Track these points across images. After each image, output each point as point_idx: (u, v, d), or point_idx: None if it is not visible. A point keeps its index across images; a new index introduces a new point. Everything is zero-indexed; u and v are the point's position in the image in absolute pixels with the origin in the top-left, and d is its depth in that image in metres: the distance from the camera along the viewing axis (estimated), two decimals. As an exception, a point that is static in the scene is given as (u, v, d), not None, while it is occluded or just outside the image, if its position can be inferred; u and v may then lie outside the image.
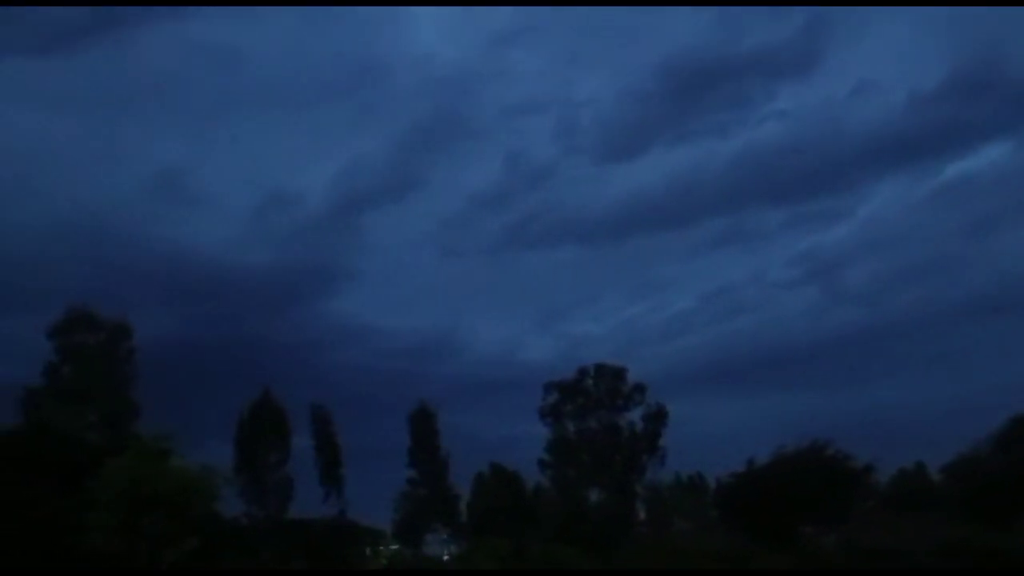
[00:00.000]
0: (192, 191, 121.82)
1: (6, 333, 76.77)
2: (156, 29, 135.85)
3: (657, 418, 63.42)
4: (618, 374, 65.13)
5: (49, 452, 43.94)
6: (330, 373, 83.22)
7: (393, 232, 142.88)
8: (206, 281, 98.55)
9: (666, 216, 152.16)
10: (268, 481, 54.28)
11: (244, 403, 56.07)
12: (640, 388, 64.18)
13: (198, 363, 69.36)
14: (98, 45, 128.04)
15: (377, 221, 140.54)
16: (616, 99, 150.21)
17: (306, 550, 51.54)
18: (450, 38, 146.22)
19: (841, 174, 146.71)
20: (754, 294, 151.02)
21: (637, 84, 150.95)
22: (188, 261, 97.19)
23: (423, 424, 62.08)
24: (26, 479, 40.20)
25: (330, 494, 57.22)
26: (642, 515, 68.63)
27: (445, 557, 59.08)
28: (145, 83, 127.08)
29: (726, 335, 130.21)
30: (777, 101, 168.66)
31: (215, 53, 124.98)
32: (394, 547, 61.33)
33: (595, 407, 64.85)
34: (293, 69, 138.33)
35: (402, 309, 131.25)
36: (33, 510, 36.74)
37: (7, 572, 29.06)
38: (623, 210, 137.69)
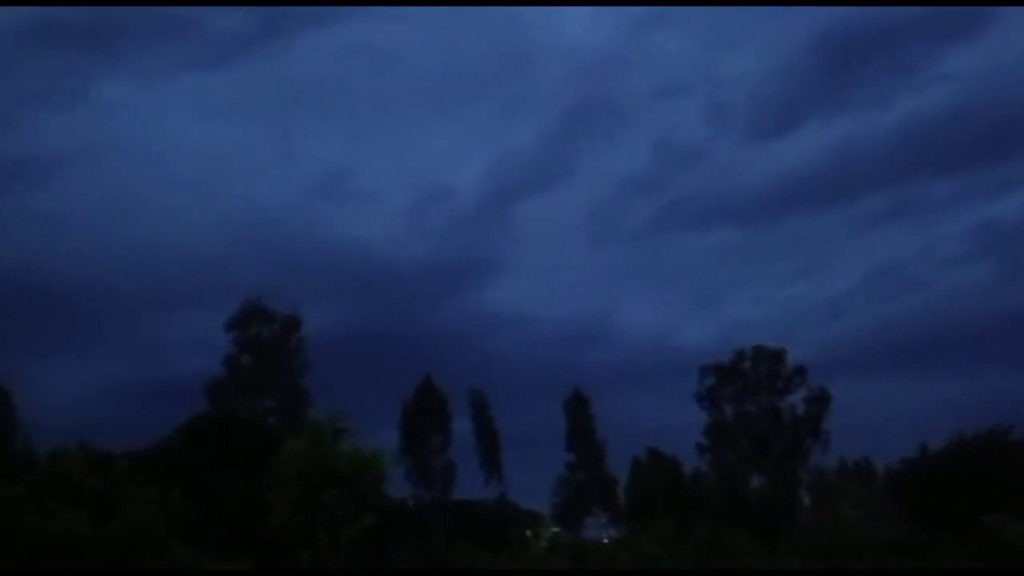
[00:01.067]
0: (353, 190, 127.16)
1: (191, 328, 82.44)
2: (314, 36, 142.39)
3: (820, 401, 60.61)
4: (777, 356, 62.70)
5: (234, 436, 46.82)
6: (487, 361, 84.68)
7: (545, 221, 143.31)
8: (369, 275, 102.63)
9: (825, 192, 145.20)
10: (432, 465, 55.80)
11: (407, 390, 57.76)
12: (801, 371, 61.54)
13: (363, 352, 72.12)
14: (263, 56, 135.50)
15: (529, 211, 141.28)
16: (767, 75, 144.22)
17: (470, 531, 52.52)
18: (595, 26, 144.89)
19: (1014, 140, 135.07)
20: (923, 270, 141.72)
21: (789, 58, 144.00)
22: (351, 256, 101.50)
23: (578, 410, 62.02)
24: (215, 461, 43.01)
25: (490, 478, 58.15)
26: (807, 501, 65.83)
27: (604, 540, 58.84)
28: (307, 88, 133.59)
29: (893, 314, 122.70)
30: (943, 66, 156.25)
31: (370, 55, 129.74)
32: (554, 530, 61.64)
33: (754, 390, 62.68)
34: (444, 67, 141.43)
35: (556, 297, 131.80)
36: (222, 490, 39.27)
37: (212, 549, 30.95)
38: (779, 188, 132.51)
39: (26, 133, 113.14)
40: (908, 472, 52.10)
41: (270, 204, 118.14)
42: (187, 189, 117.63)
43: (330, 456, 24.66)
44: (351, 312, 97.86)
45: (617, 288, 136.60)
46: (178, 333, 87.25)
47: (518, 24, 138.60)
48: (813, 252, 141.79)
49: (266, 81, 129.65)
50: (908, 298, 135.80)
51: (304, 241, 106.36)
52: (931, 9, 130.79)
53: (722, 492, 62.23)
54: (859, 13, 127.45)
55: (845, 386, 64.30)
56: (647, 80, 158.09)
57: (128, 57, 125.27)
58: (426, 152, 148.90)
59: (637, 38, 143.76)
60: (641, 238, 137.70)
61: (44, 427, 43.99)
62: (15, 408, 43.34)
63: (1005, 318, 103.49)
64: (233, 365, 52.83)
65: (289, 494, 24.83)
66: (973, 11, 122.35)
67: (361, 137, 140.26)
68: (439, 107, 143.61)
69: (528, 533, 59.44)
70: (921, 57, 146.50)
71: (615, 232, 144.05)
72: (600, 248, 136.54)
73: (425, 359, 66.54)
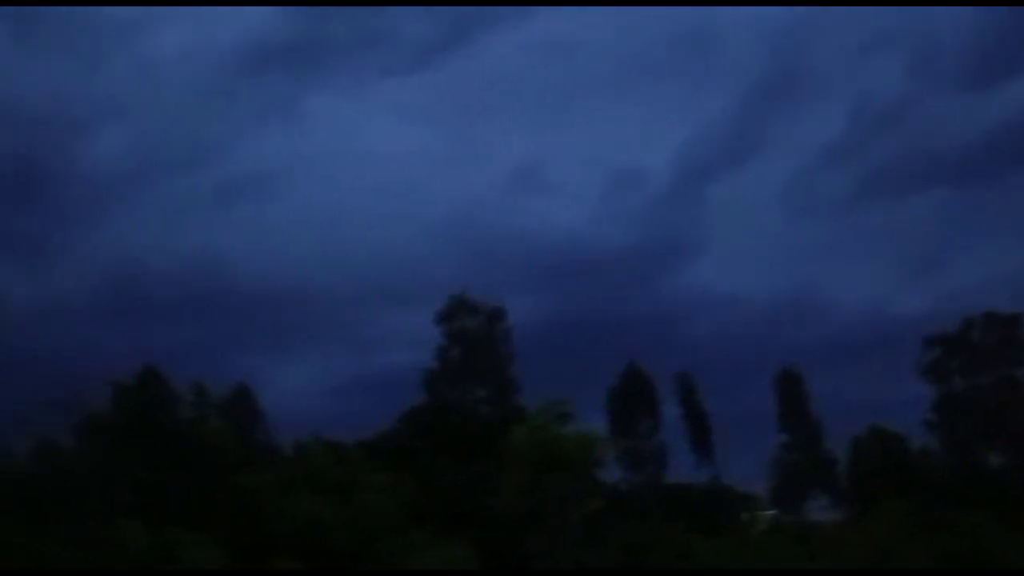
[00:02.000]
0: (546, 181, 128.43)
1: (406, 323, 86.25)
2: (499, 35, 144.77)
3: (1065, 370, 54.36)
4: (1012, 322, 56.81)
5: (451, 425, 48.36)
6: (691, 343, 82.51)
7: (741, 197, 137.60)
8: (566, 263, 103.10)
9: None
10: (643, 449, 55.09)
11: (613, 375, 57.30)
12: (1039, 337, 55.44)
13: (565, 340, 72.23)
14: (453, 58, 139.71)
15: (723, 188, 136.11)
16: (978, 20, 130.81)
17: (685, 514, 51.38)
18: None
19: None
20: None
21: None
22: (548, 246, 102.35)
23: (789, 388, 59.06)
24: (435, 449, 44.59)
25: (702, 461, 56.60)
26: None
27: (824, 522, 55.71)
28: (497, 86, 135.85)
29: None
30: None
31: (555, 48, 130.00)
32: (771, 512, 59.09)
33: (986, 361, 57.13)
34: (628, 51, 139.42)
35: (757, 274, 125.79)
36: (445, 476, 40.54)
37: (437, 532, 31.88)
38: (997, 143, 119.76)
39: (248, 152, 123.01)
40: None
41: (468, 201, 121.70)
42: (393, 192, 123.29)
43: (555, 441, 24.61)
44: (551, 301, 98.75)
45: (821, 261, 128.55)
46: (393, 329, 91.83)
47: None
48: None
49: (458, 82, 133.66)
50: None
51: (502, 234, 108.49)
52: None
53: (954, 471, 57.25)
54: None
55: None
56: (841, 39, 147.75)
57: (331, 71, 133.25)
58: (615, 137, 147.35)
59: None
60: (843, 207, 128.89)
61: (282, 420, 47.37)
62: (257, 403, 46.71)
63: None
64: (444, 357, 54.52)
65: (516, 478, 25.02)
66: None
67: (551, 129, 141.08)
68: (626, 92, 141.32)
69: (744, 516, 57.39)
70: None
71: (815, 203, 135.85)
72: (800, 221, 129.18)
73: (627, 344, 65.55)
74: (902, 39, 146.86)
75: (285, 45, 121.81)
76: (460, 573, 26.83)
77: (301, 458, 31.37)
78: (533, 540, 27.97)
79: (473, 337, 54.58)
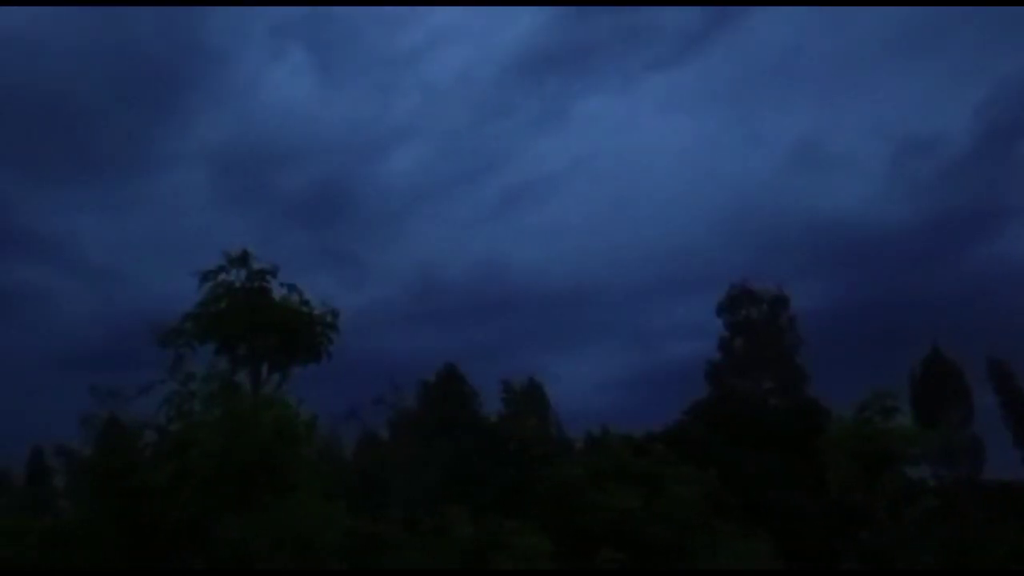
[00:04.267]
0: (827, 157, 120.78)
1: (686, 314, 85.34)
2: (765, 13, 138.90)
3: None
4: None
5: (739, 416, 46.62)
6: (1002, 321, 73.46)
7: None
8: (852, 243, 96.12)
9: None
10: (955, 442, 49.75)
11: (913, 362, 52.40)
12: None
13: (856, 325, 67.40)
14: (718, 43, 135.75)
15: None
16: None
17: (1009, 513, 45.68)
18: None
19: None
20: None
21: None
22: (832, 226, 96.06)
23: None
24: (726, 441, 43.18)
25: (1028, 454, 50.14)
26: None
27: None
28: (767, 66, 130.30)
29: None
30: None
31: (826, 17, 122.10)
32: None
33: None
34: (909, 10, 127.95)
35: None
36: (745, 469, 39.08)
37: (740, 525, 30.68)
38: None
39: (528, 159, 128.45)
40: None
41: (745, 186, 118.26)
42: (668, 184, 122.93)
43: (881, 435, 22.66)
44: (838, 284, 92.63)
45: None
46: (675, 321, 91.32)
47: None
48: None
49: (726, 66, 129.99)
50: None
51: (782, 217, 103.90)
52: None
53: None
54: None
55: None
56: None
57: (598, 71, 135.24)
58: (902, 104, 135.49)
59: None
60: None
61: (569, 414, 48.37)
62: (548, 398, 48.02)
63: None
64: (727, 348, 52.93)
65: (840, 473, 23.39)
66: None
67: (830, 102, 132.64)
68: (911, 54, 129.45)
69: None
70: None
71: None
72: None
73: (928, 327, 59.63)
74: None
75: (554, 52, 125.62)
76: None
77: (606, 450, 31.53)
78: (864, 537, 25.99)
79: (756, 326, 52.43)
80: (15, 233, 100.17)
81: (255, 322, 23.55)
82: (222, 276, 24.07)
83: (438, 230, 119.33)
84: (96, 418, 44.92)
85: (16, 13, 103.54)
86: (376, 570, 24.37)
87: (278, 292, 24.77)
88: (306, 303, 24.77)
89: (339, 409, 41.21)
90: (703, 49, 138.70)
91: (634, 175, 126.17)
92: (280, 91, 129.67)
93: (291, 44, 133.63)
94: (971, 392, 51.06)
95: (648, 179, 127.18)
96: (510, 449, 40.66)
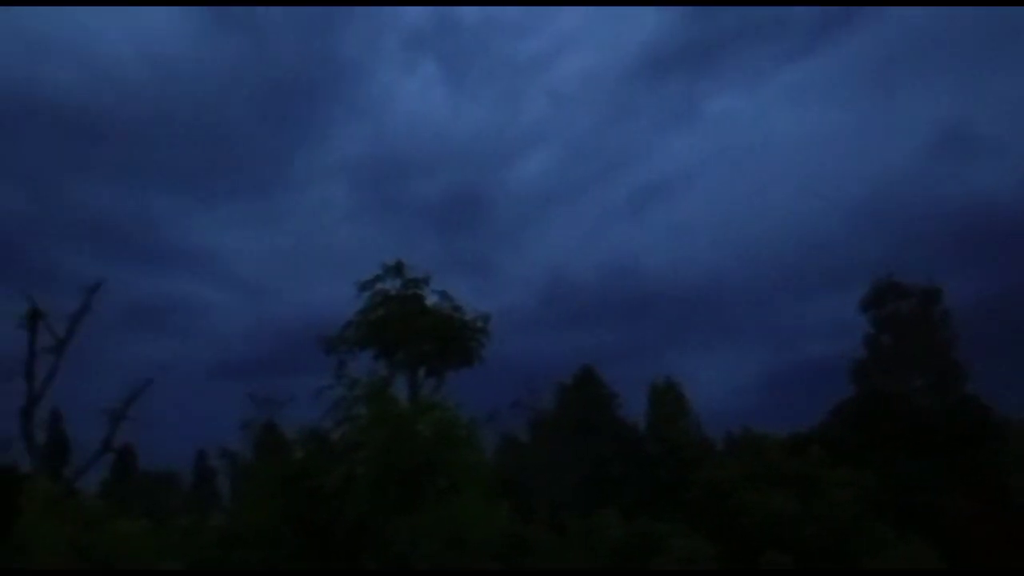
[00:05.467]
0: (974, 142, 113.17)
1: (824, 311, 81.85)
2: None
3: None
4: None
5: (887, 417, 44.16)
6: None
7: None
8: (1008, 231, 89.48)
9: None
10: None
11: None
12: None
13: (1015, 318, 62.66)
14: (849, 32, 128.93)
15: None
16: None
17: None
18: None
19: None
20: None
21: None
22: (984, 213, 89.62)
23: None
24: (872, 442, 40.98)
25: None
26: None
27: None
28: (902, 50, 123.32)
29: None
30: None
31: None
32: None
33: None
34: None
35: None
36: (901, 470, 37.03)
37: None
38: None
39: (656, 158, 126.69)
40: None
41: (884, 176, 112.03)
42: (801, 178, 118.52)
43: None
44: (992, 275, 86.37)
45: None
46: (812, 318, 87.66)
47: None
48: None
49: (858, 55, 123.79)
50: None
51: (926, 207, 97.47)
52: None
53: None
54: None
55: None
56: None
57: (724, 67, 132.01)
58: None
59: None
60: None
61: (708, 415, 47.00)
62: (686, 399, 46.80)
63: None
64: (873, 345, 50.05)
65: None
66: None
67: (975, 84, 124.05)
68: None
69: None
70: None
71: None
72: None
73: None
74: None
75: (679, 50, 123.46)
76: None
77: (756, 452, 30.48)
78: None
79: (905, 322, 49.41)
80: (173, 250, 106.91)
81: (412, 328, 24.25)
82: (379, 285, 25.05)
83: (568, 233, 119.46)
84: (255, 423, 47.08)
85: (166, 42, 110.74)
86: (531, 570, 24.33)
87: (430, 299, 25.58)
88: (458, 309, 25.35)
89: (479, 412, 41.60)
90: (834, 38, 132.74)
91: (765, 170, 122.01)
92: (413, 102, 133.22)
93: (422, 56, 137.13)
94: None
95: (780, 174, 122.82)
96: (652, 451, 39.94)
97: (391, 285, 23.97)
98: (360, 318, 23.49)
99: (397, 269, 23.86)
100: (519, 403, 46.12)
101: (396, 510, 19.50)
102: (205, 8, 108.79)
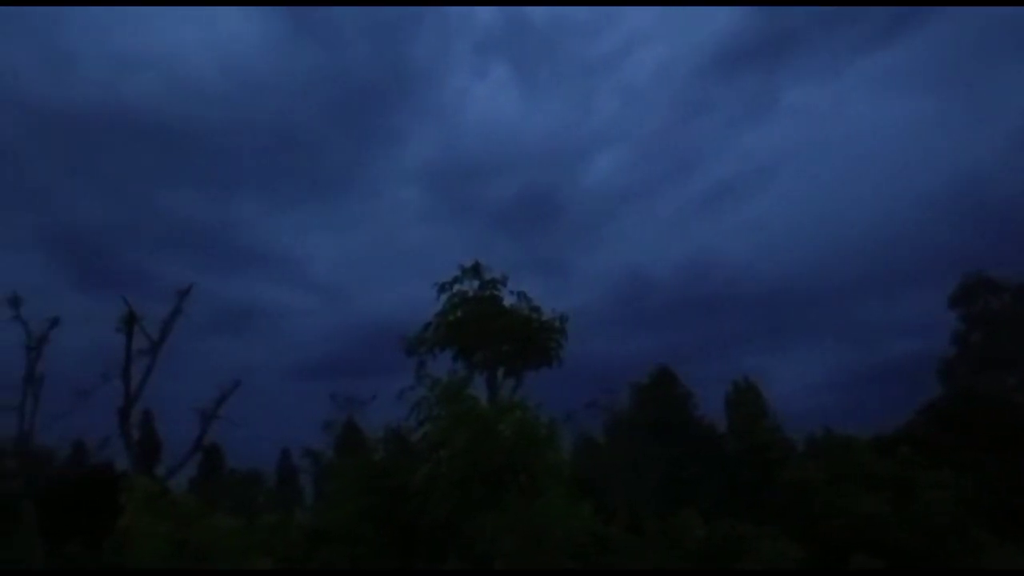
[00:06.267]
0: None
1: (909, 308, 79.07)
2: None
3: None
4: None
5: (983, 417, 42.41)
6: None
7: None
8: None
9: None
10: None
11: None
12: None
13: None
14: (930, 19, 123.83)
15: None
16: None
17: None
18: None
19: None
20: None
21: None
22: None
23: None
24: (962, 443, 39.36)
25: None
26: None
27: None
28: (990, 36, 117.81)
29: None
30: None
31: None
32: None
33: None
34: None
35: None
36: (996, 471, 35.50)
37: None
38: None
39: (732, 154, 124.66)
40: None
41: (970, 167, 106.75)
42: (882, 171, 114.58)
43: None
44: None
45: None
46: (896, 315, 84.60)
47: None
48: None
49: (941, 42, 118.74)
50: None
51: (1016, 199, 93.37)
52: None
53: None
54: None
55: None
56: None
57: (800, 59, 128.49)
58: None
59: None
60: None
61: (787, 414, 45.84)
62: (764, 398, 45.77)
63: None
64: (963, 343, 48.19)
65: None
66: None
67: None
68: None
69: None
70: None
71: None
72: None
73: None
74: None
75: (753, 44, 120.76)
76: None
77: (843, 452, 29.57)
78: None
79: (997, 319, 47.43)
80: (255, 255, 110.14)
81: (490, 329, 24.27)
82: (457, 287, 25.15)
83: (643, 232, 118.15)
84: (336, 423, 47.97)
85: (246, 53, 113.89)
86: (612, 570, 24.08)
87: (508, 300, 25.54)
88: (536, 309, 25.26)
89: (557, 413, 41.53)
90: (915, 24, 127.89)
91: (845, 163, 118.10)
92: (484, 105, 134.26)
93: (493, 59, 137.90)
94: None
95: (860, 167, 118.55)
96: (732, 451, 39.14)
97: (469, 286, 24.01)
98: (439, 319, 23.61)
99: (475, 270, 23.92)
100: (595, 403, 45.85)
101: (479, 509, 19.54)
102: (283, 19, 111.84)
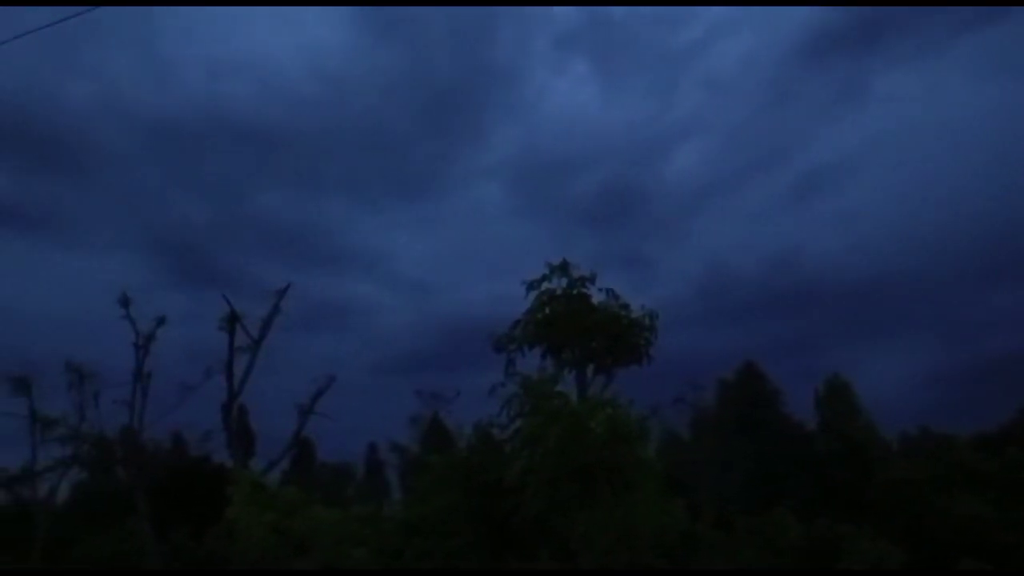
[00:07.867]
0: None
1: (1009, 302, 75.45)
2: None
3: None
4: None
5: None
6: None
7: None
8: None
9: None
10: None
11: None
12: None
13: None
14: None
15: None
16: None
17: None
18: None
19: None
20: None
21: None
22: None
23: None
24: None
25: None
26: None
27: None
28: None
29: None
30: None
31: None
32: None
33: None
34: None
35: None
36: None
37: None
38: None
39: (821, 144, 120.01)
40: None
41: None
42: (979, 159, 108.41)
43: None
44: None
45: None
46: (992, 310, 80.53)
47: None
48: None
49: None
50: None
51: None
52: None
53: None
54: None
55: None
56: None
57: (893, 44, 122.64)
58: None
59: None
60: None
61: (878, 412, 44.23)
62: (854, 396, 44.36)
63: None
64: (1070, 337, 45.74)
65: None
66: None
67: None
68: None
69: None
70: None
71: None
72: None
73: None
74: None
75: (841, 28, 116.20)
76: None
77: (945, 451, 28.45)
78: None
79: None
80: (346, 253, 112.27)
81: (579, 326, 24.15)
82: (545, 284, 25.10)
83: (727, 225, 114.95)
84: (422, 418, 48.68)
85: (333, 56, 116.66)
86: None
87: (596, 297, 25.35)
88: (624, 307, 24.98)
89: (643, 409, 41.24)
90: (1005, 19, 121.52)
91: (941, 151, 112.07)
92: (565, 101, 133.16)
93: (573, 55, 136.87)
94: None
95: (957, 154, 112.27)
96: (823, 450, 37.98)
97: (557, 284, 23.98)
98: (528, 317, 23.64)
99: (562, 268, 23.86)
100: (681, 399, 45.26)
101: (571, 506, 19.53)
102: (369, 24, 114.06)
